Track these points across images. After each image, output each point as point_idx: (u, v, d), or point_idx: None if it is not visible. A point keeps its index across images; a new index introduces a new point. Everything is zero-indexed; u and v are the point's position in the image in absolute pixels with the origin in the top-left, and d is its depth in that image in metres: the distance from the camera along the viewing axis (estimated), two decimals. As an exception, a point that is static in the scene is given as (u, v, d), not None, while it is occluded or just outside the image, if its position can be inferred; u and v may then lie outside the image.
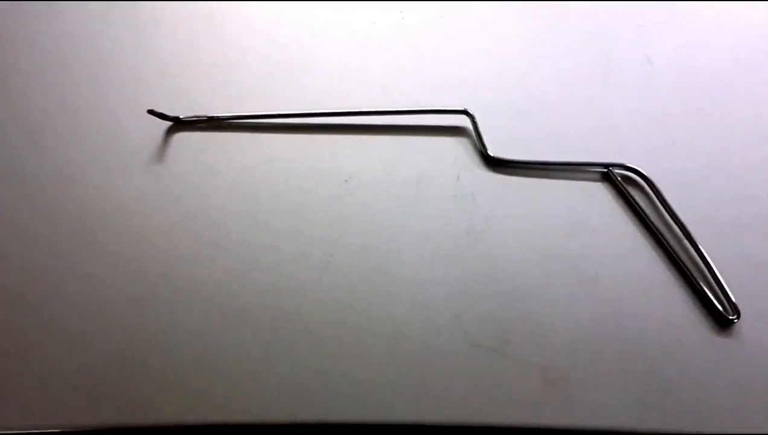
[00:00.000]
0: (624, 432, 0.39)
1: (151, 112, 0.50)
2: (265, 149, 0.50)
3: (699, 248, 0.45)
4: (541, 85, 0.55)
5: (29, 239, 0.45)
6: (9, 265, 0.44)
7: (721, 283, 0.44)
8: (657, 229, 0.46)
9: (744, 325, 0.43)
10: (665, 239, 0.46)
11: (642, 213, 0.47)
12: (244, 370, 0.41)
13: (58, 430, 0.39)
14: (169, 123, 0.51)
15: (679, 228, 0.46)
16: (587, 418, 0.39)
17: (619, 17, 0.61)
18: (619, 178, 0.49)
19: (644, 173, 0.49)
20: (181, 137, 0.51)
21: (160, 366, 0.41)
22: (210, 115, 0.51)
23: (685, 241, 0.46)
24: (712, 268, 0.44)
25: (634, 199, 0.48)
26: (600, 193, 0.49)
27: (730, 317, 0.42)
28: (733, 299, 0.43)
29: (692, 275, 0.44)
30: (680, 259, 0.45)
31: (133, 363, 0.41)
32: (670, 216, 0.47)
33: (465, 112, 0.52)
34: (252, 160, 0.50)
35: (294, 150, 0.50)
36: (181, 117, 0.51)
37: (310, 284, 0.44)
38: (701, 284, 0.44)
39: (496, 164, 0.50)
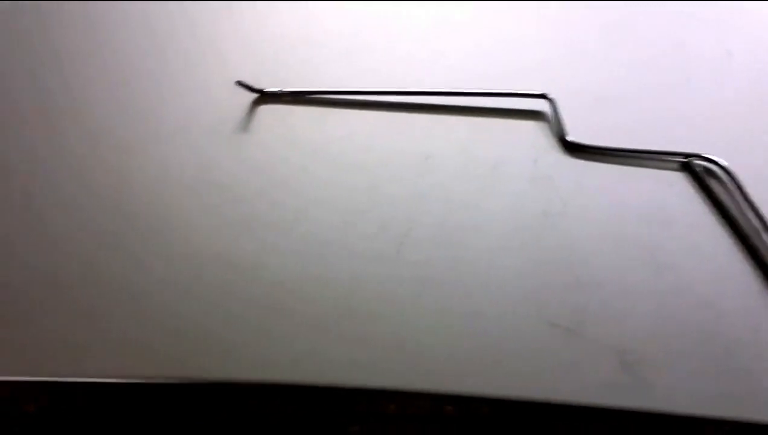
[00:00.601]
0: (701, 418, 0.39)
1: (239, 83, 0.51)
2: (345, 124, 0.52)
3: (780, 242, 0.45)
4: (620, 72, 0.55)
5: (120, 202, 0.47)
6: (104, 220, 0.46)
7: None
8: (737, 221, 0.46)
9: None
10: (745, 231, 0.46)
11: (721, 204, 0.47)
12: (320, 336, 0.42)
13: (153, 381, 0.41)
14: (254, 95, 0.52)
15: (760, 221, 0.46)
16: (664, 402, 0.40)
17: (699, 8, 0.60)
18: (699, 169, 0.49)
19: (725, 165, 0.49)
20: (266, 109, 0.52)
21: (245, 328, 0.42)
22: (294, 89, 0.53)
23: (765, 235, 0.46)
24: (793, 262, 0.44)
25: (713, 191, 0.48)
26: (679, 183, 0.49)
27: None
28: (815, 294, 0.43)
29: (772, 268, 0.44)
30: (760, 252, 0.45)
31: (218, 323, 0.42)
32: (751, 209, 0.47)
33: (544, 97, 0.52)
34: (333, 135, 0.51)
35: (374, 126, 0.52)
36: (266, 90, 0.52)
37: (387, 257, 0.45)
38: (782, 278, 0.44)
39: (575, 149, 0.50)
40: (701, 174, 0.48)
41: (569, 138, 0.50)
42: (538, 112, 0.53)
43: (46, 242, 0.45)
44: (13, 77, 0.55)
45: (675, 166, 0.50)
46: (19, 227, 0.46)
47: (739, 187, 0.48)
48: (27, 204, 0.47)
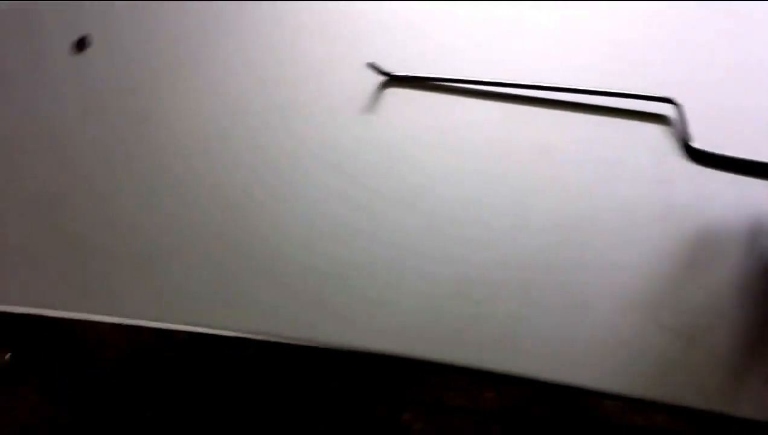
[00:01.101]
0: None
1: (370, 65, 0.54)
2: (469, 112, 0.53)
3: None
4: (747, 81, 0.54)
5: (247, 172, 0.51)
6: (230, 189, 0.50)
7: None
8: None
9: None
10: None
11: None
12: (429, 315, 0.44)
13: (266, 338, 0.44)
14: (383, 78, 0.55)
15: None
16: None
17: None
18: (830, 188, 0.47)
19: None
20: (392, 92, 0.55)
21: (356, 296, 0.45)
22: (421, 75, 0.55)
23: None
24: None
25: None
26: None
27: None
28: None
29: None
30: None
31: (337, 292, 0.45)
32: None
33: (670, 101, 0.52)
34: (456, 121, 0.53)
35: (496, 117, 0.53)
36: (394, 73, 0.55)
37: (499, 246, 0.47)
38: None
39: (699, 156, 0.50)
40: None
41: (694, 144, 0.50)
42: (662, 116, 0.52)
43: (198, 207, 0.49)
44: (168, 58, 0.60)
45: (805, 182, 0.49)
46: (171, 194, 0.50)
47: None
48: (178, 172, 0.52)
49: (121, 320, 0.46)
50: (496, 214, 0.48)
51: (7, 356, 0.67)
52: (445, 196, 0.49)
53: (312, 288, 0.45)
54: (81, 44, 0.59)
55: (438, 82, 0.55)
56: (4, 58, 0.60)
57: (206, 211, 0.49)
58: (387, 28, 0.59)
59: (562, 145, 0.51)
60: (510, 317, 0.44)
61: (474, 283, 0.45)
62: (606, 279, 0.45)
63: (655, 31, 0.58)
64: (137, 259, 0.47)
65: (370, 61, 0.54)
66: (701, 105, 0.52)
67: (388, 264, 0.46)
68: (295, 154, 0.52)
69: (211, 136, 0.53)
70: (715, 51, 0.56)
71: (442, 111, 0.53)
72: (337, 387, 0.46)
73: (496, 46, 0.57)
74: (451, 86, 0.55)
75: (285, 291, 0.45)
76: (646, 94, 0.52)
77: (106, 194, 0.51)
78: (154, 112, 0.55)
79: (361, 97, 0.54)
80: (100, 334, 0.48)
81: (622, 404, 0.42)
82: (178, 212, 0.49)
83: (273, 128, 0.53)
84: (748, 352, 0.42)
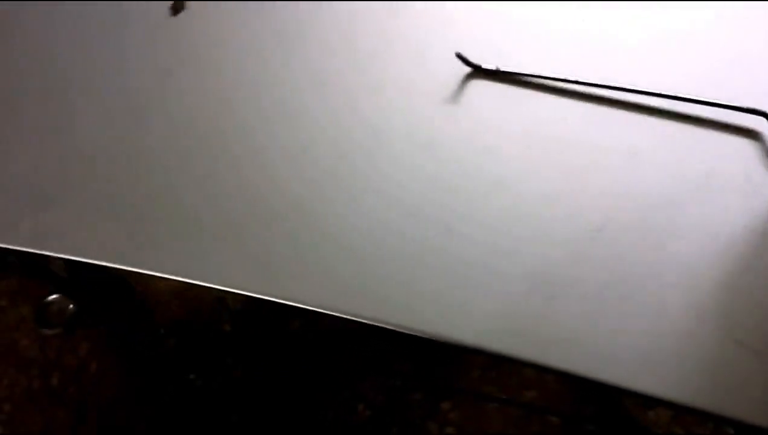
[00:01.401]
0: None
1: (458, 55, 0.54)
2: (554, 109, 0.53)
3: None
4: None
5: (329, 156, 0.52)
6: (313, 162, 0.52)
7: None
8: None
9: None
10: None
11: None
12: (502, 307, 0.45)
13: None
14: (469, 69, 0.55)
15: None
16: None
17: None
18: None
19: None
20: (479, 83, 0.55)
21: (424, 281, 0.46)
22: (509, 69, 0.55)
23: None
24: None
25: None
26: None
27: None
28: None
29: None
30: None
31: (397, 273, 0.46)
32: None
33: (762, 114, 0.51)
34: (540, 117, 0.53)
35: (582, 116, 0.53)
36: (482, 65, 0.55)
37: (578, 243, 0.47)
38: None
39: (790, 172, 0.49)
40: None
41: (785, 160, 0.49)
42: (753, 130, 0.51)
43: (278, 179, 0.51)
44: (265, 30, 0.62)
45: None
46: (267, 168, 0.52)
47: None
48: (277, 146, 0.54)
49: (182, 279, 0.47)
50: (575, 212, 0.48)
51: (71, 307, 0.71)
52: (523, 191, 0.49)
53: (381, 268, 0.47)
54: (177, 7, 0.61)
55: (525, 78, 0.55)
56: (102, 21, 0.63)
57: (286, 183, 0.51)
58: (478, 20, 0.59)
59: (648, 151, 0.50)
60: (580, 317, 0.44)
61: (547, 280, 0.45)
62: (685, 289, 0.44)
63: (755, 42, 0.57)
64: (214, 224, 0.49)
65: (459, 51, 0.55)
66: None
67: (461, 254, 0.47)
68: (378, 134, 0.53)
69: (298, 109, 0.55)
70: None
71: (526, 106, 0.53)
72: (387, 368, 0.47)
73: (589, 46, 0.57)
74: (538, 82, 0.55)
75: (356, 268, 0.47)
76: (738, 105, 0.51)
77: (185, 157, 0.53)
78: (244, 81, 0.57)
79: (448, 86, 0.55)
80: (159, 295, 0.51)
81: (669, 414, 0.42)
82: (257, 182, 0.51)
83: (360, 108, 0.54)
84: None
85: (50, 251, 0.50)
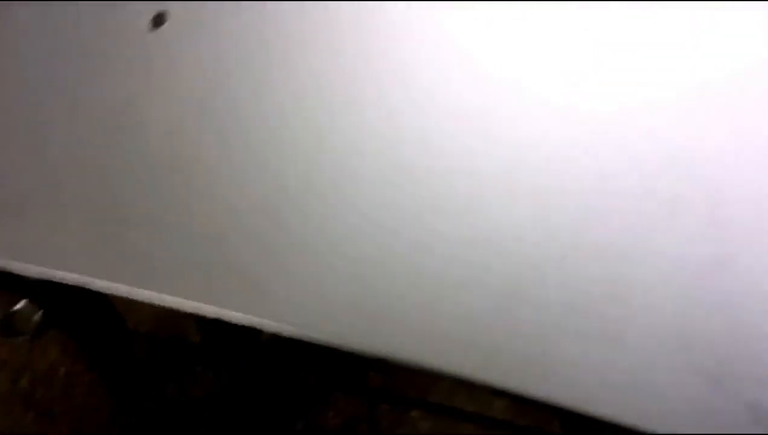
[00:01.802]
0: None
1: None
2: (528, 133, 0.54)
3: None
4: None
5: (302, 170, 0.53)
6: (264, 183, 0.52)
7: None
8: None
9: None
10: None
11: None
12: (466, 326, 0.45)
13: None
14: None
15: None
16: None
17: None
18: None
19: None
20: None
21: (386, 299, 0.46)
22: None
23: None
24: None
25: None
26: None
27: None
28: None
29: None
30: None
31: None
32: None
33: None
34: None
35: (557, 140, 0.53)
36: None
37: (545, 270, 0.47)
38: None
39: None
40: None
41: None
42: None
43: (253, 196, 0.51)
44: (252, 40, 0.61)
45: None
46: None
47: None
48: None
49: (154, 297, 0.47)
50: (541, 237, 0.48)
51: (39, 314, 0.70)
52: (493, 215, 0.49)
53: (344, 288, 0.47)
54: (159, 19, 0.60)
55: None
56: (82, 32, 0.62)
57: (259, 199, 0.51)
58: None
59: (617, 177, 0.51)
60: (542, 341, 0.45)
61: (511, 305, 0.46)
62: (647, 316, 0.45)
63: None
64: (183, 241, 0.49)
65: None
66: None
67: (425, 276, 0.47)
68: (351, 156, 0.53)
69: (275, 128, 0.55)
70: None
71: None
72: (350, 379, 0.47)
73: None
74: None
75: (316, 288, 0.47)
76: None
77: (165, 169, 0.53)
78: (221, 100, 0.57)
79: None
80: (131, 301, 0.50)
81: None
82: (229, 196, 0.51)
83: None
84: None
85: (15, 262, 0.50)
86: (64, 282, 0.48)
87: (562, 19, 0.58)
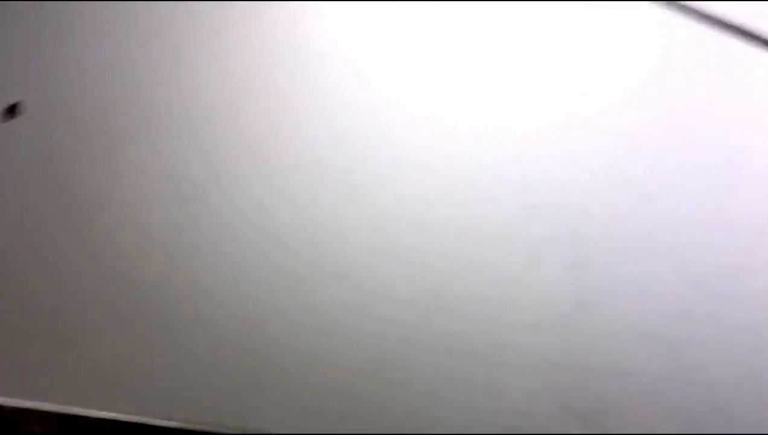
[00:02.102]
0: None
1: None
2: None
3: None
4: None
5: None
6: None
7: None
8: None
9: None
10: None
11: None
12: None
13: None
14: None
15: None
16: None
17: None
18: None
19: None
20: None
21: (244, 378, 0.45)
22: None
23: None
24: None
25: None
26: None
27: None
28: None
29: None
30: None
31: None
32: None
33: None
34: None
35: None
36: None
37: (419, 321, 0.48)
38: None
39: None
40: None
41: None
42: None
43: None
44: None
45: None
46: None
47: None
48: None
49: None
50: (411, 292, 0.49)
51: None
52: (361, 278, 0.50)
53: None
54: (12, 110, 0.58)
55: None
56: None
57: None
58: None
59: (482, 226, 0.52)
60: (417, 396, 0.45)
61: (385, 359, 0.46)
62: (519, 362, 0.46)
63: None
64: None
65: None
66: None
67: (306, 341, 0.47)
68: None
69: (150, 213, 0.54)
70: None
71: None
72: None
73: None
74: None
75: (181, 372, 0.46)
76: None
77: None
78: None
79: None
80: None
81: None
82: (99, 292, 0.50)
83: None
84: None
85: None
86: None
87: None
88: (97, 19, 0.64)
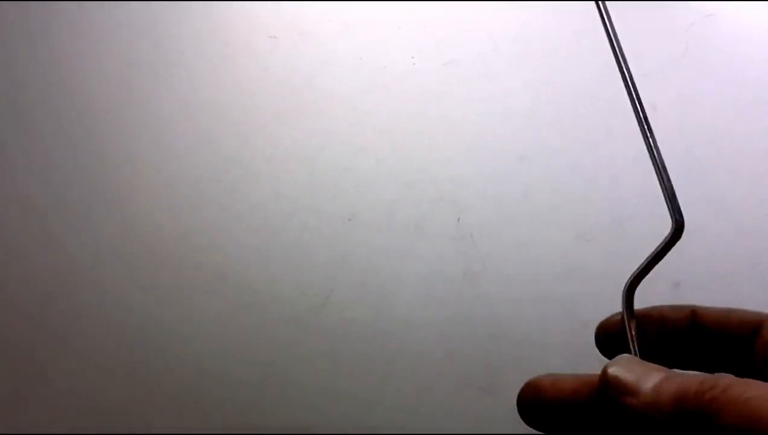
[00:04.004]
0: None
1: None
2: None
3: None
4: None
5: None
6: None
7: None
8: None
9: None
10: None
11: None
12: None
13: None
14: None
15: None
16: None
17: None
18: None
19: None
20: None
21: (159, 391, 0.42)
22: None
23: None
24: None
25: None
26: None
27: None
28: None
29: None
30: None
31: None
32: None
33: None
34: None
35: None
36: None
37: (305, 318, 0.46)
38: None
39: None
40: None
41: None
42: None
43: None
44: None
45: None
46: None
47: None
48: None
49: None
50: (298, 289, 0.47)
51: None
52: (242, 279, 0.48)
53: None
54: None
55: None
56: None
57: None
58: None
59: (362, 214, 0.51)
60: (313, 388, 0.43)
61: (275, 360, 0.44)
62: (412, 344, 0.45)
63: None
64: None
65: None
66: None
67: (190, 359, 0.44)
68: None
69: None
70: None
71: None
72: None
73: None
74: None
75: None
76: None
77: None
78: None
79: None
80: None
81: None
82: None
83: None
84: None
85: None
86: None
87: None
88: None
